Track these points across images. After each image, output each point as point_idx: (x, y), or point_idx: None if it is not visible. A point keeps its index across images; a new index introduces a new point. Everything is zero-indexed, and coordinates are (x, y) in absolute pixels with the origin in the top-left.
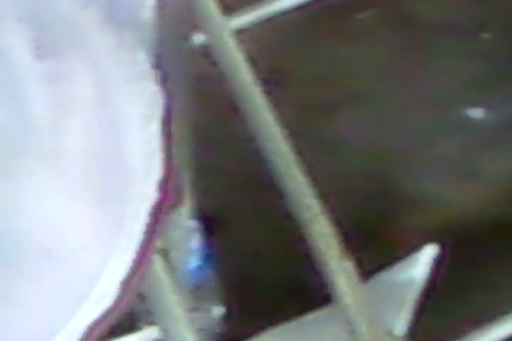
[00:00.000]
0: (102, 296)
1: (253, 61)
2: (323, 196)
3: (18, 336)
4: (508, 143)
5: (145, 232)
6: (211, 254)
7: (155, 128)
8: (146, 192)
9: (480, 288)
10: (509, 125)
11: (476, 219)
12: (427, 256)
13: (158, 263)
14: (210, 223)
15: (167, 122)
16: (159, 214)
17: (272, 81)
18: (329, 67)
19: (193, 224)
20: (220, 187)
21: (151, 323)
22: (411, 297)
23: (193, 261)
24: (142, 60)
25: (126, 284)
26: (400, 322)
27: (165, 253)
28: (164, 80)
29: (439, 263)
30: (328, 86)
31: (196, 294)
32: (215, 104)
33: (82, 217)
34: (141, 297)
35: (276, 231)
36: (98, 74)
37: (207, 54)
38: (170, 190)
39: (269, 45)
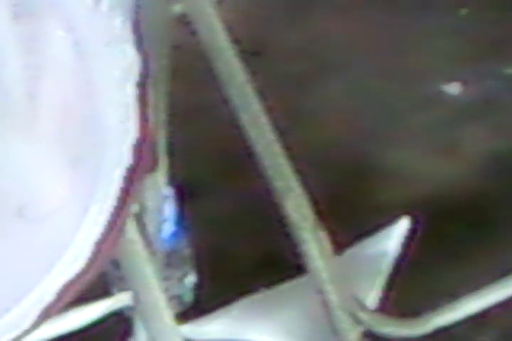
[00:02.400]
0: (75, 258)
1: (231, 31)
2: (299, 167)
3: None
4: (484, 118)
5: (119, 195)
6: (185, 222)
7: (131, 91)
8: (121, 155)
9: (453, 262)
10: (485, 100)
11: (451, 193)
12: (400, 229)
13: (132, 229)
14: (184, 191)
15: (143, 86)
16: (134, 177)
17: (249, 51)
18: (307, 39)
19: (167, 191)
20: (195, 156)
21: (124, 289)
22: (383, 269)
23: (167, 229)
24: (120, 24)
25: (99, 246)
26: (372, 294)
27: (139, 219)
28: (141, 45)
29: (412, 236)
30: (306, 57)
31: (169, 262)
32: (193, 72)
33: (57, 179)
34: (115, 263)
35: (251, 201)
36: (75, 36)
37: (186, 23)
38: (145, 153)
39: (248, 15)
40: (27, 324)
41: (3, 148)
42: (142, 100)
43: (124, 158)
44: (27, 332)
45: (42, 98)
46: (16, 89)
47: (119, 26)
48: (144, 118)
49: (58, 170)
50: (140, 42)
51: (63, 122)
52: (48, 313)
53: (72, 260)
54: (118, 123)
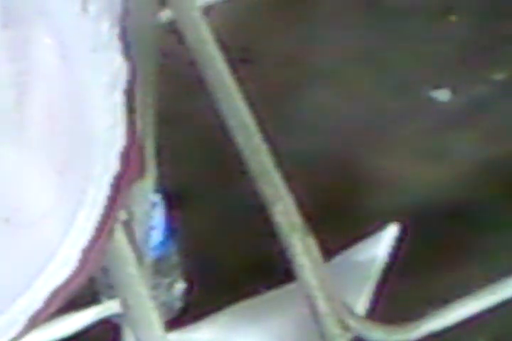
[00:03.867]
0: (63, 264)
1: (220, 38)
2: (287, 174)
3: None
4: (473, 124)
5: (107, 202)
6: (174, 229)
7: (118, 98)
8: (109, 161)
9: (442, 268)
10: (474, 107)
11: (440, 200)
12: (389, 235)
13: (120, 236)
14: (173, 198)
15: (130, 93)
16: (121, 184)
17: (238, 58)
18: (296, 46)
19: (156, 198)
20: (183, 163)
21: (112, 297)
22: (372, 276)
23: (155, 236)
24: (107, 30)
25: (87, 253)
26: (361, 301)
27: (127, 226)
28: (128, 51)
29: (400, 243)
30: (295, 64)
31: (158, 269)
32: (182, 80)
33: (44, 185)
34: (103, 270)
35: (240, 208)
36: (62, 42)
37: (174, 30)
38: (132, 160)
39: (237, 22)
40: (14, 332)
41: None
42: (130, 107)
43: (112, 164)
44: (14, 340)
45: (29, 104)
46: (2, 96)
47: (106, 32)
48: (131, 125)
49: (46, 176)
50: (127, 49)
51: (50, 128)
52: (35, 321)
53: (60, 267)
54: (105, 129)
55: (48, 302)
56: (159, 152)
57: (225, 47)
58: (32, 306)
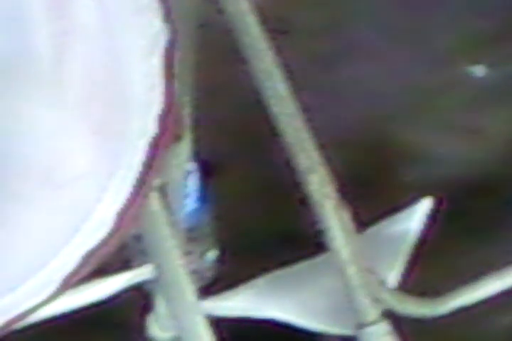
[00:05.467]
0: (97, 226)
1: (258, 9)
2: (322, 146)
3: (16, 259)
4: (509, 100)
5: (143, 165)
6: (207, 198)
7: (157, 61)
8: (146, 124)
9: (475, 242)
10: (510, 83)
11: (473, 174)
12: (422, 209)
13: (155, 203)
14: (208, 167)
15: (170, 57)
16: (158, 148)
17: (276, 29)
18: (333, 18)
19: (191, 166)
20: (218, 132)
21: (144, 263)
22: (405, 249)
23: (190, 204)
24: None
25: (122, 216)
26: (393, 274)
27: (162, 193)
28: (168, 15)
29: (434, 216)
30: (332, 36)
31: (191, 236)
32: (219, 49)
33: (81, 145)
34: (136, 236)
35: (274, 178)
36: (103, 4)
37: (213, 1)
38: (169, 123)
39: None
40: (47, 292)
41: (29, 115)
42: (168, 71)
43: (149, 127)
44: (47, 301)
45: (68, 65)
46: (43, 56)
47: None
48: (169, 89)
49: (82, 138)
50: (167, 13)
51: (89, 89)
52: (69, 281)
53: (95, 229)
54: (143, 92)
55: (82, 263)
56: (195, 120)
57: (263, 18)
58: (66, 266)
